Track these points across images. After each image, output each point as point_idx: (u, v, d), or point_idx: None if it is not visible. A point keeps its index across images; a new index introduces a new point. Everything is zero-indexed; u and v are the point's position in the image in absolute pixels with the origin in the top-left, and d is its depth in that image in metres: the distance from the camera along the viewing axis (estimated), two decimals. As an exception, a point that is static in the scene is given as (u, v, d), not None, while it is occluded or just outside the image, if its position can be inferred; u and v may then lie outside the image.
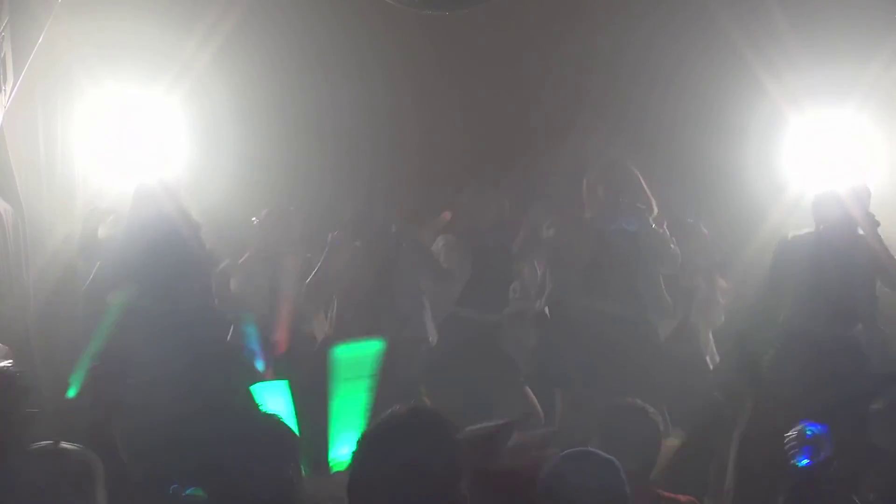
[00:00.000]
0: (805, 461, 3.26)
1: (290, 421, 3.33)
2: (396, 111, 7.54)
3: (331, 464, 5.86)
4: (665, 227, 5.99)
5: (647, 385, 5.42)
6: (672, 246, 5.99)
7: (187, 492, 3.46)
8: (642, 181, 5.96)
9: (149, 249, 5.58)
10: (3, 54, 5.78)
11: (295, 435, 2.98)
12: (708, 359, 6.14)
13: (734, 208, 6.91)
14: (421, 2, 6.64)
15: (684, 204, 6.90)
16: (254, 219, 6.63)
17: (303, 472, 2.93)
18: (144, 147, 7.03)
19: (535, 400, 6.03)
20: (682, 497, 3.77)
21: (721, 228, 6.86)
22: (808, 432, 3.31)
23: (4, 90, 5.83)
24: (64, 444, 2.95)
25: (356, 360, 6.14)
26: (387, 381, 6.03)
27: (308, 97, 7.44)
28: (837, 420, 3.54)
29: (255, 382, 5.71)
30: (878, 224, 5.77)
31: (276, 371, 6.21)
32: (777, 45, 6.78)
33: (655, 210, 5.96)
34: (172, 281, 5.54)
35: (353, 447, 2.47)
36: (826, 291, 5.58)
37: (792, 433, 3.35)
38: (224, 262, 6.48)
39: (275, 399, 5.63)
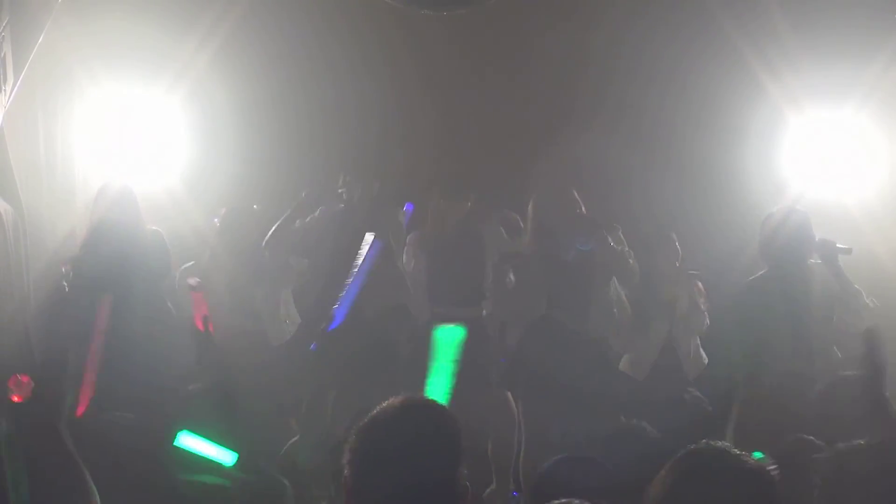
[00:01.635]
0: None
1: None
2: (395, 110, 7.54)
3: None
4: (625, 242, 5.94)
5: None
6: (630, 261, 5.92)
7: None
8: (581, 206, 5.90)
9: (104, 259, 5.64)
10: (3, 54, 5.77)
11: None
12: (686, 369, 6.07)
13: (734, 208, 6.90)
14: (420, 1, 6.63)
15: (684, 204, 6.89)
16: (215, 219, 6.57)
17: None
18: (144, 147, 7.05)
19: (513, 405, 5.95)
20: None
21: (721, 228, 6.85)
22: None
23: (4, 90, 5.83)
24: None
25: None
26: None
27: (307, 97, 7.44)
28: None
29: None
30: (832, 246, 5.61)
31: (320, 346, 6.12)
32: (777, 45, 6.77)
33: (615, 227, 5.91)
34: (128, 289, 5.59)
35: (349, 441, 2.47)
36: (780, 334, 5.38)
37: None
38: (189, 263, 6.47)
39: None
